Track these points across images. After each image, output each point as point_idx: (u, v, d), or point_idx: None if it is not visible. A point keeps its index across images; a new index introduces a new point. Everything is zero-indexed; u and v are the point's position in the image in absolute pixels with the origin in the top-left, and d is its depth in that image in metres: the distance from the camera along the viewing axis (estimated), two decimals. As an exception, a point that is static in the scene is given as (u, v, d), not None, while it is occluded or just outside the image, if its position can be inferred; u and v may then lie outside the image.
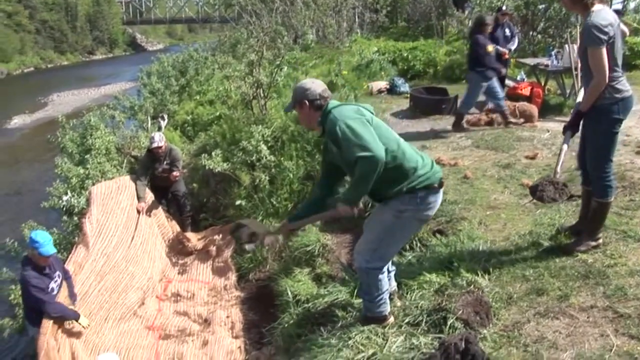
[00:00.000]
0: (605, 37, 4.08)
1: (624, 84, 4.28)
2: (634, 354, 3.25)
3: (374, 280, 3.95)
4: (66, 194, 9.40)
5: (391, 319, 4.13)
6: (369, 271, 3.92)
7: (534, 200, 5.52)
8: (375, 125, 3.73)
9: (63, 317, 5.80)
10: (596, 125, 4.35)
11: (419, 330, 3.91)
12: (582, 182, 4.81)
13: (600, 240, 4.61)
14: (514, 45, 10.45)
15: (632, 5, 15.92)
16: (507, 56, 10.17)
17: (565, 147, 4.86)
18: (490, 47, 8.79)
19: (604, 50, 4.10)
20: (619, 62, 4.28)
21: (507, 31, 10.29)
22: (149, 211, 8.47)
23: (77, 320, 5.98)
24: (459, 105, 9.56)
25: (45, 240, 5.69)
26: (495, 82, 8.86)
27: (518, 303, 4.05)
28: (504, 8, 10.94)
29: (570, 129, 4.65)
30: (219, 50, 22.75)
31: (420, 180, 3.71)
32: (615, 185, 4.55)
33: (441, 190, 3.85)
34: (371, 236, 3.93)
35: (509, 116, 9.05)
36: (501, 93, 9.06)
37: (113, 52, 79.22)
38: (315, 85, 3.91)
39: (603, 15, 4.11)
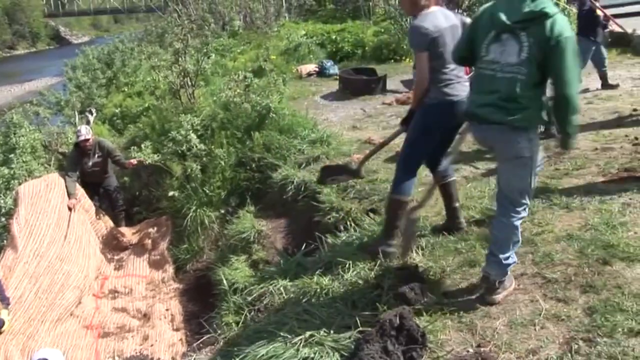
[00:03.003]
0: (426, 40, 4.02)
1: (454, 88, 4.15)
2: (561, 316, 3.37)
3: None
4: (-10, 195, 9.06)
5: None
6: None
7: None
8: None
9: None
10: (415, 121, 4.28)
11: (355, 309, 3.93)
12: (430, 170, 4.74)
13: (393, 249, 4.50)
14: None
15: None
16: None
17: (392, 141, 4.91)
18: None
19: (425, 55, 4.05)
20: (449, 64, 4.09)
21: None
22: (80, 208, 8.26)
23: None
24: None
25: None
26: None
27: (451, 276, 4.12)
28: None
29: (405, 123, 4.49)
30: (146, 40, 22.40)
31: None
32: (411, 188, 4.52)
33: None
34: None
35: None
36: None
37: (36, 46, 76.16)
38: None
39: (430, 18, 4.05)
